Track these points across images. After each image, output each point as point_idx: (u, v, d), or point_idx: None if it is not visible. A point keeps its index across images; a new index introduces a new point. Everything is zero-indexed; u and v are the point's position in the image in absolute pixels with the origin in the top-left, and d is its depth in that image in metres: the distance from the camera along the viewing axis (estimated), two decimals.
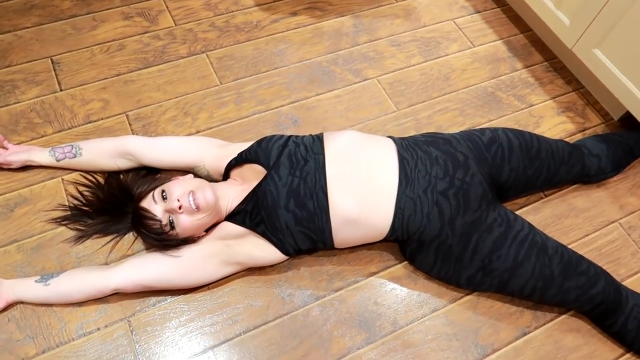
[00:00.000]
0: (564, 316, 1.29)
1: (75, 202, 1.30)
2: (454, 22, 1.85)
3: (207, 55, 1.64)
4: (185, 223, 1.15)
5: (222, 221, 1.24)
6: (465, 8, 1.90)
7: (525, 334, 1.26)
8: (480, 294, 1.30)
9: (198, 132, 1.48)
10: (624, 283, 1.34)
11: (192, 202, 1.14)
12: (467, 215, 1.19)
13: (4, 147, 1.36)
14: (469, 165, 1.24)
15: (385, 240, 1.25)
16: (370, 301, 1.27)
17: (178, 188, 1.16)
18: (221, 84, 1.59)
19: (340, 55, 1.71)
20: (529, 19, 1.86)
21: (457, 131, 1.52)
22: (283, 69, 1.65)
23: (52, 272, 1.20)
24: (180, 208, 1.13)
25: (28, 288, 1.16)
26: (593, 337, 1.27)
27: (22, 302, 1.17)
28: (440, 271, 1.25)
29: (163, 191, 1.16)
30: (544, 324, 1.28)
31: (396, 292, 1.29)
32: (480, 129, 1.35)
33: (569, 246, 1.38)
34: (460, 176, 1.21)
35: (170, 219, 1.15)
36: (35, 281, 1.17)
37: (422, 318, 1.26)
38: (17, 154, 1.33)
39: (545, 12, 1.66)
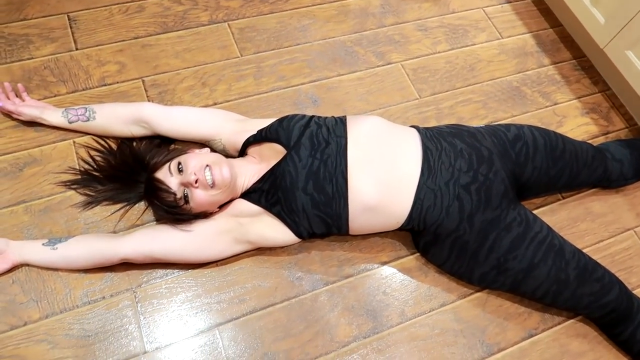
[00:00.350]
0: (571, 321, 1.28)
1: (86, 166, 1.27)
2: (484, 10, 1.80)
3: (228, 24, 1.59)
4: (199, 198, 1.12)
5: (236, 198, 1.21)
6: None
7: (532, 336, 1.25)
8: (491, 292, 1.28)
9: (215, 104, 1.44)
10: (634, 292, 1.33)
11: (208, 177, 1.11)
12: (487, 212, 1.16)
13: (21, 98, 1.32)
14: (493, 161, 1.20)
15: (400, 229, 1.23)
16: (379, 291, 1.25)
17: (195, 161, 1.13)
18: (241, 55, 1.54)
19: (365, 36, 1.66)
20: (560, 14, 1.81)
21: (478, 125, 1.49)
22: (306, 45, 1.60)
23: (60, 237, 1.18)
24: (196, 182, 1.10)
25: (35, 251, 1.14)
26: (599, 344, 1.26)
27: (28, 265, 1.15)
28: (453, 266, 1.23)
29: (179, 163, 1.13)
30: (552, 327, 1.26)
31: (406, 283, 1.27)
32: (506, 124, 1.32)
33: (583, 250, 1.36)
34: (484, 171, 1.18)
35: (185, 192, 1.12)
36: (43, 244, 1.15)
37: (430, 312, 1.24)
38: (30, 107, 1.30)
39: (579, 7, 1.61)
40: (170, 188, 1.12)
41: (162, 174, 1.14)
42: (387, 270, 1.28)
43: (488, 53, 1.70)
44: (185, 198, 1.12)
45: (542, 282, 1.17)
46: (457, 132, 1.25)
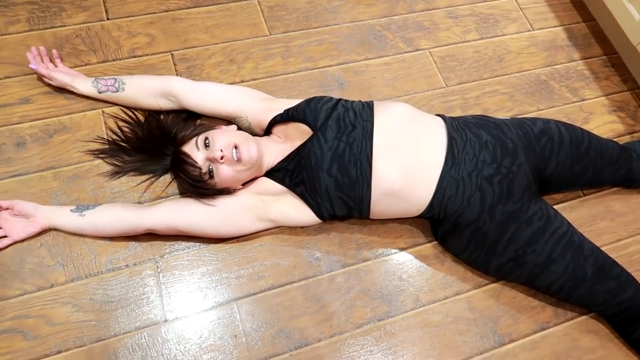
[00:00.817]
0: (584, 317, 1.29)
1: (114, 136, 1.29)
2: (516, 0, 1.77)
3: (258, 2, 1.58)
4: (224, 173, 1.14)
5: (261, 176, 1.23)
6: None
7: (543, 329, 1.26)
8: (505, 283, 1.29)
9: (242, 81, 1.45)
10: None
11: (234, 154, 1.12)
12: (508, 205, 1.17)
13: (54, 63, 1.35)
14: (517, 154, 1.20)
15: (420, 217, 1.24)
16: (395, 276, 1.27)
17: (222, 138, 1.14)
18: (270, 34, 1.54)
19: (395, 21, 1.64)
20: (594, 8, 1.77)
21: (504, 117, 1.48)
22: (335, 27, 1.59)
23: (87, 204, 1.21)
24: (222, 158, 1.11)
25: (63, 216, 1.17)
26: (610, 342, 1.27)
27: (55, 229, 1.18)
28: (470, 255, 1.24)
29: (206, 138, 1.15)
30: (564, 322, 1.28)
31: (422, 270, 1.29)
32: (532, 118, 1.31)
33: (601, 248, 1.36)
34: (508, 164, 1.18)
35: (210, 167, 1.14)
36: (71, 210, 1.17)
37: (444, 299, 1.26)
38: (61, 74, 1.32)
39: (614, 3, 1.58)
40: (196, 162, 1.13)
41: (189, 148, 1.16)
42: (404, 257, 1.29)
43: (518, 44, 1.68)
44: (210, 173, 1.14)
45: (558, 277, 1.18)
46: (482, 123, 1.25)
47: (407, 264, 1.29)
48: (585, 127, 1.56)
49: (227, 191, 1.20)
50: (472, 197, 1.16)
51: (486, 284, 1.29)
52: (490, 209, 1.16)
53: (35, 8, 1.45)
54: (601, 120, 1.59)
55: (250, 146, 1.14)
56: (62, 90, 1.34)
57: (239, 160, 1.13)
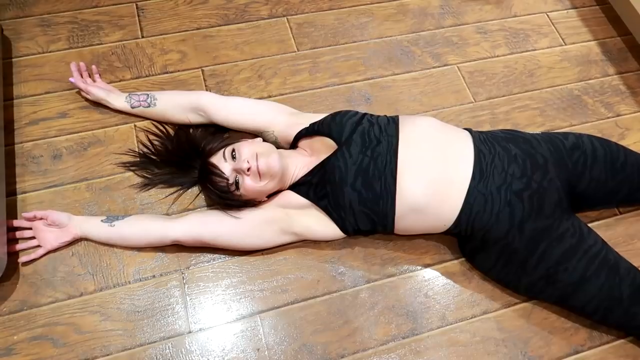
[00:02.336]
0: (621, 340, 1.23)
1: (145, 150, 1.33)
2: (547, 15, 1.75)
3: (287, 19, 1.61)
4: (249, 185, 1.15)
5: (285, 189, 1.23)
6: (562, 2, 1.78)
7: (577, 352, 1.21)
8: (536, 303, 1.25)
9: (270, 96, 1.47)
10: None
11: (260, 167, 1.13)
12: (538, 221, 1.14)
13: (92, 79, 1.40)
14: (548, 169, 1.17)
15: (447, 233, 1.22)
16: (421, 293, 1.24)
17: (248, 150, 1.16)
18: (298, 50, 1.56)
19: (422, 37, 1.64)
20: (630, 22, 1.73)
21: (534, 132, 1.45)
22: (362, 43, 1.60)
23: (117, 215, 1.24)
24: (248, 170, 1.13)
25: (94, 226, 1.20)
26: None
27: (87, 239, 1.22)
28: (499, 273, 1.21)
29: (233, 150, 1.17)
30: (599, 345, 1.22)
31: (449, 287, 1.26)
32: (564, 132, 1.28)
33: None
34: (538, 179, 1.15)
35: (237, 178, 1.15)
36: (102, 221, 1.21)
37: (471, 318, 1.22)
38: (98, 89, 1.37)
39: None
40: (224, 173, 1.15)
41: (217, 159, 1.18)
42: (430, 273, 1.27)
43: (549, 59, 1.65)
44: (237, 184, 1.15)
45: (592, 298, 1.13)
46: (511, 137, 1.23)
47: (433, 281, 1.26)
48: (622, 143, 1.51)
49: (252, 203, 1.21)
50: (501, 213, 1.13)
51: (516, 303, 1.25)
52: (520, 225, 1.13)
53: (75, 27, 1.52)
54: (638, 136, 1.53)
55: (270, 157, 1.15)
56: (97, 104, 1.39)
57: (261, 171, 1.13)
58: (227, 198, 1.17)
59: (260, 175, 1.14)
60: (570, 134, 1.27)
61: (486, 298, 1.25)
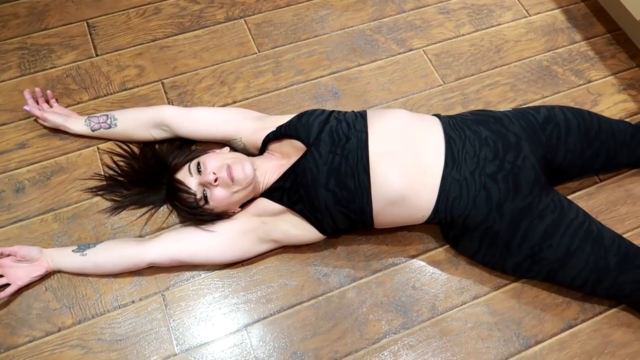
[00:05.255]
0: (614, 309, 1.21)
1: (111, 172, 1.28)
2: None
3: (245, 20, 1.57)
4: (219, 196, 1.11)
5: (258, 197, 1.20)
6: None
7: (571, 327, 1.19)
8: (526, 282, 1.23)
9: (235, 102, 1.43)
10: None
11: (227, 175, 1.10)
12: (517, 201, 1.11)
13: (49, 104, 1.35)
14: (521, 147, 1.15)
15: (427, 223, 1.19)
16: (409, 285, 1.22)
17: (214, 161, 1.12)
18: (259, 51, 1.52)
19: (385, 23, 1.61)
20: None
21: (508, 108, 1.42)
22: (324, 36, 1.57)
23: (88, 243, 1.20)
24: (215, 181, 1.09)
25: (66, 257, 1.16)
26: None
27: (60, 271, 1.18)
28: (484, 257, 1.19)
29: (199, 164, 1.13)
30: (592, 317, 1.20)
31: (436, 276, 1.24)
32: (535, 107, 1.26)
33: (624, 235, 1.29)
34: (511, 159, 1.13)
35: (205, 192, 1.12)
36: (73, 251, 1.17)
37: (462, 305, 1.20)
38: (54, 115, 1.32)
39: None
40: (190, 188, 1.12)
41: (182, 175, 1.14)
42: (416, 264, 1.25)
43: (515, 32, 1.63)
44: (205, 198, 1.12)
45: (580, 271, 1.11)
46: (481, 118, 1.20)
47: (420, 272, 1.24)
48: (595, 109, 1.49)
49: (226, 215, 1.18)
50: (478, 197, 1.11)
51: (505, 285, 1.23)
52: (498, 207, 1.11)
53: (25, 53, 1.46)
54: (611, 100, 1.52)
55: (244, 165, 1.12)
56: (57, 131, 1.34)
57: (232, 180, 1.10)
58: (197, 214, 1.14)
59: (232, 181, 1.10)
60: (542, 107, 1.24)
61: (475, 283, 1.23)
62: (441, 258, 1.26)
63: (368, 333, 1.16)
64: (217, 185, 1.10)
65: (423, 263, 1.25)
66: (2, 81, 1.42)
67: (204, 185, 1.12)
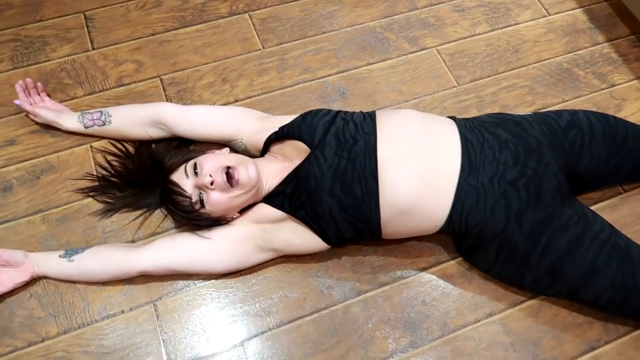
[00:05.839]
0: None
1: (104, 172, 1.21)
2: None
3: (249, 15, 1.50)
4: (216, 200, 1.04)
5: (259, 202, 1.12)
6: None
7: (593, 349, 1.10)
8: (544, 299, 1.14)
9: (236, 101, 1.36)
10: None
11: (225, 178, 1.02)
12: (537, 211, 1.03)
13: (40, 97, 1.29)
14: (543, 153, 1.07)
15: (439, 232, 1.11)
16: (418, 300, 1.14)
17: (211, 162, 1.05)
18: (264, 48, 1.45)
19: (396, 21, 1.53)
20: None
21: (526, 112, 1.34)
22: (332, 33, 1.49)
23: (77, 248, 1.12)
24: (212, 184, 1.02)
25: (52, 262, 1.09)
26: None
27: (46, 277, 1.10)
28: (500, 271, 1.10)
29: (195, 164, 1.06)
30: (616, 339, 1.12)
31: (447, 291, 1.15)
32: (557, 111, 1.17)
33: None
34: (533, 165, 1.04)
35: (201, 196, 1.04)
36: (60, 256, 1.09)
37: (475, 323, 1.12)
38: (46, 110, 1.25)
39: None
40: (185, 191, 1.04)
41: (178, 176, 1.07)
42: (426, 277, 1.16)
43: (534, 32, 1.54)
44: (202, 202, 1.04)
45: (605, 289, 1.03)
46: (500, 121, 1.12)
47: (430, 286, 1.15)
48: (619, 115, 1.40)
49: (223, 221, 1.10)
50: (496, 206, 1.03)
51: (522, 302, 1.14)
52: (518, 217, 1.03)
53: (18, 45, 1.39)
54: (636, 106, 1.43)
55: (248, 167, 1.04)
56: (48, 127, 1.27)
57: (237, 183, 1.02)
58: (193, 218, 1.06)
59: (237, 183, 1.03)
60: (564, 112, 1.16)
61: (489, 299, 1.14)
62: (453, 271, 1.17)
63: (374, 352, 1.08)
64: (213, 189, 1.03)
65: (434, 276, 1.17)
66: None
67: (200, 188, 1.04)
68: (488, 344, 1.10)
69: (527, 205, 1.03)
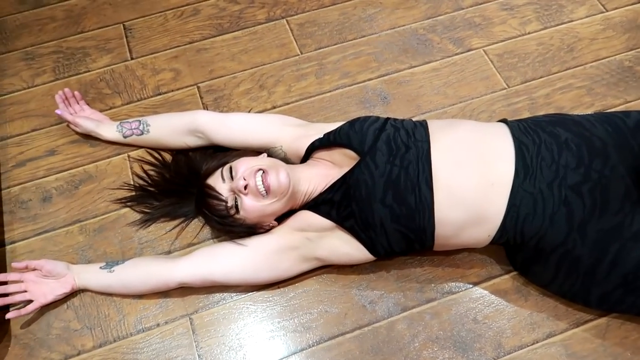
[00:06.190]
0: None
1: (141, 182, 1.19)
2: None
3: (287, 20, 1.46)
4: (249, 207, 1.00)
5: (297, 209, 1.07)
6: None
7: None
8: (612, 318, 1.03)
9: (274, 107, 1.32)
10: None
11: (259, 183, 0.98)
12: (604, 219, 0.93)
13: (80, 106, 1.29)
14: (609, 154, 0.96)
15: (492, 244, 1.02)
16: (469, 318, 1.05)
17: (245, 165, 1.01)
18: (301, 53, 1.40)
19: (440, 22, 1.46)
20: None
21: (586, 113, 1.24)
22: (372, 37, 1.43)
23: (117, 260, 1.10)
24: (245, 188, 0.97)
25: (93, 274, 1.07)
26: None
27: (86, 289, 1.08)
28: (562, 286, 1.00)
29: (231, 168, 1.02)
30: None
31: (501, 308, 1.06)
32: (624, 110, 1.07)
33: None
34: (599, 167, 0.94)
35: (236, 201, 1.00)
36: (100, 267, 1.08)
37: (533, 344, 1.02)
38: (86, 120, 1.25)
39: None
40: (221, 195, 1.00)
41: (213, 181, 1.04)
42: (478, 293, 1.07)
43: (590, 30, 1.44)
44: (237, 207, 1.00)
45: None
46: (558, 120, 1.03)
47: (482, 302, 1.06)
48: None
49: (261, 229, 1.06)
50: (556, 214, 0.93)
51: (587, 321, 1.04)
52: (581, 226, 0.93)
53: (60, 57, 1.41)
54: None
55: (279, 172, 0.99)
56: (88, 137, 1.27)
57: (267, 190, 0.98)
58: (228, 224, 1.02)
59: (268, 191, 0.98)
60: (633, 111, 1.05)
61: (549, 317, 1.04)
62: (507, 287, 1.08)
63: None
64: (247, 194, 0.98)
65: (486, 292, 1.08)
66: (35, 86, 1.36)
67: (234, 191, 1.00)
68: None
69: (592, 214, 0.93)
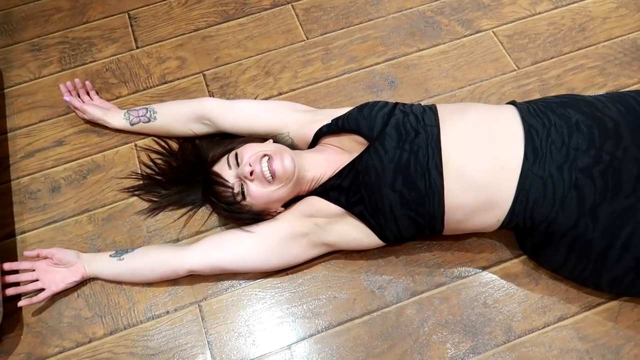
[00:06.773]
0: None
1: (148, 171, 1.19)
2: None
3: (292, 6, 1.44)
4: (255, 193, 0.99)
5: (305, 195, 1.06)
6: None
7: None
8: (624, 301, 1.02)
9: (280, 94, 1.31)
10: None
11: (265, 169, 0.97)
12: (616, 202, 0.91)
13: (89, 96, 1.29)
14: (621, 135, 0.94)
15: (501, 228, 1.01)
16: (479, 302, 1.04)
17: (251, 151, 1.00)
18: (307, 39, 1.39)
19: (448, 3, 1.43)
20: None
21: (598, 93, 1.21)
22: (379, 20, 1.41)
23: (126, 248, 1.11)
24: (251, 174, 0.97)
25: (103, 262, 1.08)
26: None
27: (96, 278, 1.09)
28: (573, 271, 0.99)
29: (237, 154, 1.01)
30: None
31: (511, 292, 1.05)
32: (638, 89, 1.04)
33: None
34: (610, 149, 0.92)
35: (242, 187, 1.00)
36: (110, 256, 1.08)
37: (544, 327, 1.01)
38: (94, 107, 1.25)
39: None
40: (227, 181, 1.00)
41: (220, 167, 1.04)
42: (487, 277, 1.07)
43: (602, 8, 1.40)
44: (243, 193, 1.00)
45: None
46: (569, 101, 1.01)
47: (492, 286, 1.06)
48: None
49: (268, 215, 1.05)
50: (567, 198, 0.92)
51: (599, 304, 1.03)
52: (592, 210, 0.91)
53: (66, 47, 1.41)
54: None
55: (284, 158, 0.98)
56: (95, 125, 1.27)
57: (272, 175, 0.98)
58: (235, 211, 1.02)
59: (273, 177, 0.98)
60: None
61: (560, 301, 1.03)
62: (517, 270, 1.07)
63: (430, 357, 0.99)
64: (252, 179, 0.98)
65: (495, 276, 1.07)
66: (42, 77, 1.37)
67: (241, 178, 1.00)
68: (560, 351, 0.99)
69: (603, 197, 0.91)
